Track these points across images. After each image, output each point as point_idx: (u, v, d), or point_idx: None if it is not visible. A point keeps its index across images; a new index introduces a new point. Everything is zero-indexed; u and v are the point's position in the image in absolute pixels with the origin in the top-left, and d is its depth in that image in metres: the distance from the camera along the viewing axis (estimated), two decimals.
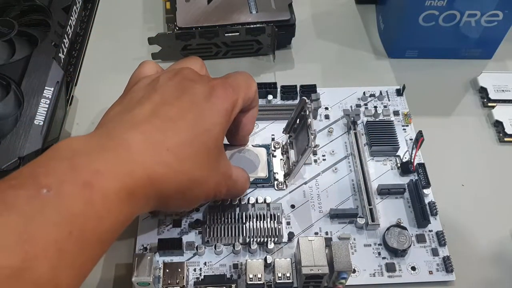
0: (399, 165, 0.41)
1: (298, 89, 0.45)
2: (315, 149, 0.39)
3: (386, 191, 0.39)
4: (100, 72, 0.48)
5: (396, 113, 0.44)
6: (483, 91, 0.47)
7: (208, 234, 0.36)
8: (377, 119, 0.43)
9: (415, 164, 0.40)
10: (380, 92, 0.45)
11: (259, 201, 0.38)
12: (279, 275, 0.34)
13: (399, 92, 0.45)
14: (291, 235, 0.37)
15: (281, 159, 0.41)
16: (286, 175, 0.40)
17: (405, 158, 0.41)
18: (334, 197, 0.39)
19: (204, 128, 0.30)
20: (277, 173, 0.40)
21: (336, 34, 0.52)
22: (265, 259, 0.35)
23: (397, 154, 0.41)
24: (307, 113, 0.36)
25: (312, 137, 0.35)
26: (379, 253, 0.36)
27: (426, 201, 0.38)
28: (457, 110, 0.46)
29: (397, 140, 0.41)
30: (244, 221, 0.36)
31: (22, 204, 0.22)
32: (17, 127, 0.36)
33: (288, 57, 0.50)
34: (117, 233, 0.26)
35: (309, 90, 0.44)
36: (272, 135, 0.42)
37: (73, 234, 0.23)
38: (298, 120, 0.39)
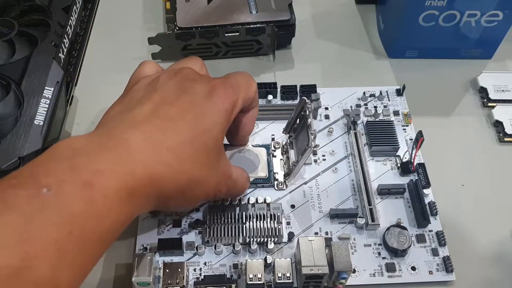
0: (399, 165, 0.41)
1: (298, 89, 0.45)
2: (315, 149, 0.39)
3: (386, 191, 0.39)
4: (100, 72, 0.48)
5: (396, 113, 0.44)
6: (483, 91, 0.47)
7: (208, 234, 0.36)
8: (377, 119, 0.43)
9: (415, 164, 0.40)
10: (380, 92, 0.45)
11: (259, 201, 0.38)
12: (279, 275, 0.34)
13: (399, 92, 0.45)
14: (291, 235, 0.37)
15: (281, 159, 0.41)
16: (286, 175, 0.40)
17: (405, 158, 0.41)
18: (334, 197, 0.39)
19: (204, 127, 0.30)
20: (277, 173, 0.40)
21: (336, 34, 0.52)
22: (265, 259, 0.34)
23: (397, 154, 0.41)
24: (307, 113, 0.36)
25: (312, 137, 0.35)
26: (379, 253, 0.36)
27: (426, 201, 0.38)
28: (457, 110, 0.46)
29: (397, 140, 0.41)
30: (244, 221, 0.36)
31: (22, 204, 0.22)
32: (17, 127, 0.36)
33: (288, 57, 0.50)
34: (117, 233, 0.26)
35: (309, 90, 0.44)
36: (272, 135, 0.42)
37: (73, 234, 0.23)
38: (298, 120, 0.39)
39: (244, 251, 0.36)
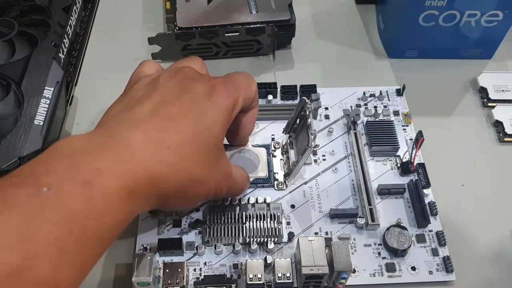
0: (399, 165, 0.41)
1: (298, 89, 0.45)
2: (315, 149, 0.39)
3: (386, 191, 0.39)
4: (100, 72, 0.48)
5: (396, 113, 0.44)
6: (483, 91, 0.47)
7: (208, 234, 0.36)
8: (377, 119, 0.43)
9: (415, 164, 0.40)
10: (380, 92, 0.45)
11: (259, 201, 0.38)
12: (279, 275, 0.34)
13: (399, 92, 0.45)
14: (291, 235, 0.37)
15: (281, 159, 0.41)
16: (286, 175, 0.40)
17: (405, 158, 0.41)
18: (334, 197, 0.39)
19: (205, 126, 0.30)
20: (277, 173, 0.40)
21: (336, 34, 0.52)
22: (265, 259, 0.34)
23: (397, 154, 0.41)
24: (307, 113, 0.36)
25: (312, 137, 0.35)
26: (379, 253, 0.36)
27: (426, 201, 0.38)
28: (457, 110, 0.46)
29: (397, 140, 0.41)
30: (244, 221, 0.36)
31: (22, 203, 0.22)
32: (17, 127, 0.36)
33: (288, 57, 0.50)
34: (117, 232, 0.26)
35: (309, 90, 0.44)
36: (272, 135, 0.42)
37: (74, 233, 0.23)
38: (298, 120, 0.39)
39: (244, 251, 0.36)
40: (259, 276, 0.33)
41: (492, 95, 0.46)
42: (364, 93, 0.45)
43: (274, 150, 0.41)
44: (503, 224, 0.39)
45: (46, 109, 0.38)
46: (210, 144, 0.30)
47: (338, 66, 0.50)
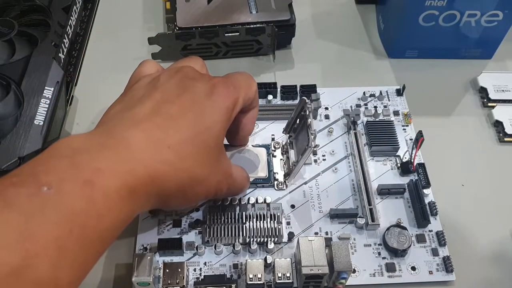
0: (399, 165, 0.41)
1: (298, 89, 0.45)
2: (315, 149, 0.39)
3: (386, 191, 0.39)
4: (100, 72, 0.48)
5: (396, 113, 0.44)
6: (483, 91, 0.47)
7: (208, 234, 0.36)
8: (377, 119, 0.43)
9: (415, 164, 0.40)
10: (380, 92, 0.45)
11: (259, 201, 0.38)
12: (279, 275, 0.33)
13: (399, 92, 0.45)
14: (291, 235, 0.37)
15: (281, 159, 0.41)
16: (286, 175, 0.40)
17: (405, 158, 0.41)
18: (334, 197, 0.39)
19: (205, 126, 0.30)
20: (277, 173, 0.40)
21: (336, 34, 0.52)
22: (265, 259, 0.34)
23: (397, 154, 0.41)
24: (307, 113, 0.36)
25: (312, 137, 0.35)
26: (379, 253, 0.36)
27: (426, 201, 0.38)
28: (457, 110, 0.46)
29: (397, 140, 0.41)
30: (244, 221, 0.36)
31: (22, 202, 0.22)
32: (17, 127, 0.36)
33: (288, 57, 0.50)
34: (117, 232, 0.26)
35: (309, 90, 0.44)
36: (272, 135, 0.42)
37: (74, 232, 0.23)
38: (298, 120, 0.39)
39: (244, 251, 0.36)
40: (259, 276, 0.33)
41: (492, 95, 0.46)
42: (364, 93, 0.45)
43: (274, 150, 0.41)
44: (503, 224, 0.39)
45: (46, 109, 0.38)
46: (211, 143, 0.30)
47: (338, 66, 0.50)
